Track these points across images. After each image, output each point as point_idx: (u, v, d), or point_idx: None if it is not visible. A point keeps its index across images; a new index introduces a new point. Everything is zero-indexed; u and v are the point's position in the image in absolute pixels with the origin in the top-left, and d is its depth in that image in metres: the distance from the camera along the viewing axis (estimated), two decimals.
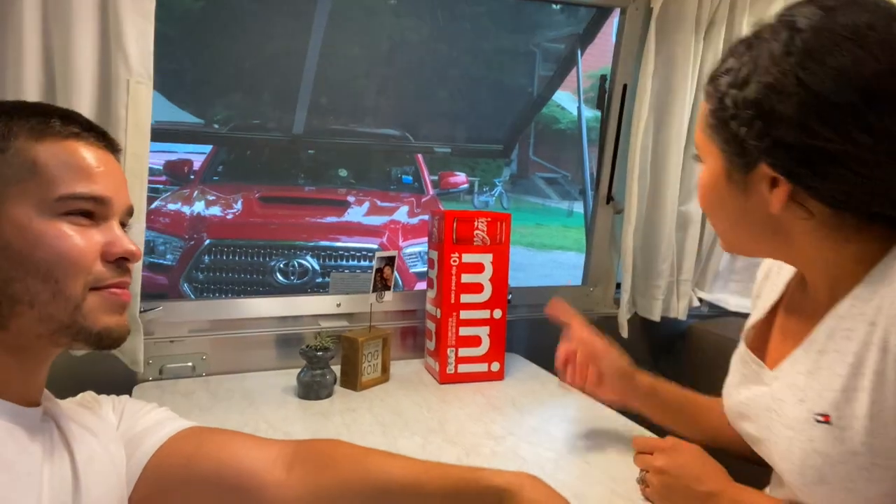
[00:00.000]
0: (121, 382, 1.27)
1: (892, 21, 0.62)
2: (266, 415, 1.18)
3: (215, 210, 4.13)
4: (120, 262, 0.61)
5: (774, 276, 0.88)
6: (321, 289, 3.67)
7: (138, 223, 1.18)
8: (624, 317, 1.65)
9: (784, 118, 0.63)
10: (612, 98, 1.62)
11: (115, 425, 0.72)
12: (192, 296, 3.64)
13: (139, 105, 1.14)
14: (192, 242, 3.74)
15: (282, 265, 3.73)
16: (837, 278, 0.71)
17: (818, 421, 0.68)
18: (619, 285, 1.71)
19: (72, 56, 1.10)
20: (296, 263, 3.74)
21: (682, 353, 1.73)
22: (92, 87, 1.13)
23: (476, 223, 1.33)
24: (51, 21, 1.09)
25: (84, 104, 1.12)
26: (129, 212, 0.66)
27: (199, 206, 4.11)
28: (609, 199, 1.66)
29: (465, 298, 1.34)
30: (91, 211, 0.60)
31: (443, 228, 1.32)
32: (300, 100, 2.10)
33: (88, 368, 1.10)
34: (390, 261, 1.35)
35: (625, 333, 1.65)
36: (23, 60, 1.08)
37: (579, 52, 1.85)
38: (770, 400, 0.77)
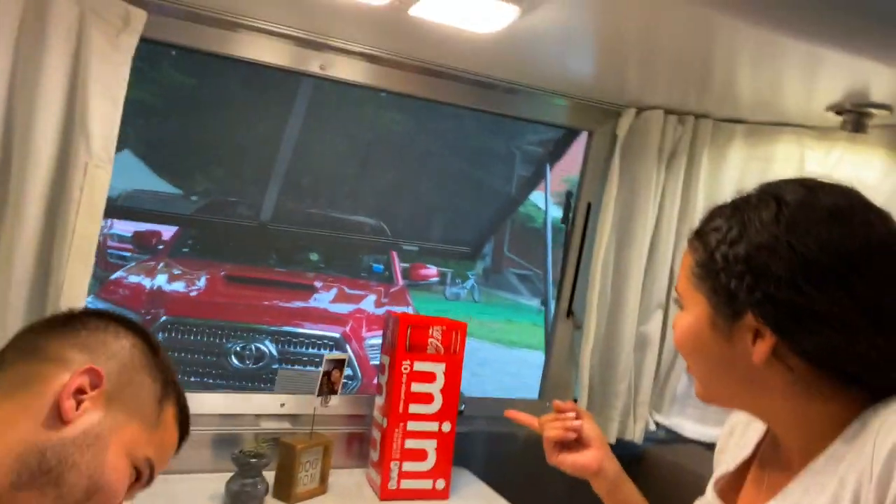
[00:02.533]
0: None
1: (867, 208, 0.70)
2: None
3: (177, 286, 4.04)
4: None
5: (739, 433, 0.88)
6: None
7: (81, 303, 1.13)
8: None
9: (774, 275, 0.68)
10: (577, 214, 1.65)
11: None
12: None
13: (95, 188, 1.12)
14: (149, 318, 3.63)
15: (238, 348, 3.62)
16: (811, 436, 0.72)
17: None
18: (576, 401, 1.67)
19: (33, 133, 1.08)
20: (253, 347, 3.64)
21: (636, 479, 1.66)
22: (49, 165, 1.10)
23: (431, 331, 1.30)
24: (16, 97, 1.09)
25: (38, 181, 1.09)
26: None
27: (160, 280, 4.03)
28: (569, 312, 1.65)
29: (414, 409, 1.29)
30: (141, 474, 0.70)
31: (396, 333, 1.29)
32: (272, 184, 2.11)
33: None
34: (339, 364, 1.30)
35: None
36: None
37: (548, 167, 1.90)
38: None
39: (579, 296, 1.65)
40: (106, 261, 7.10)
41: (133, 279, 4.21)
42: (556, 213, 1.69)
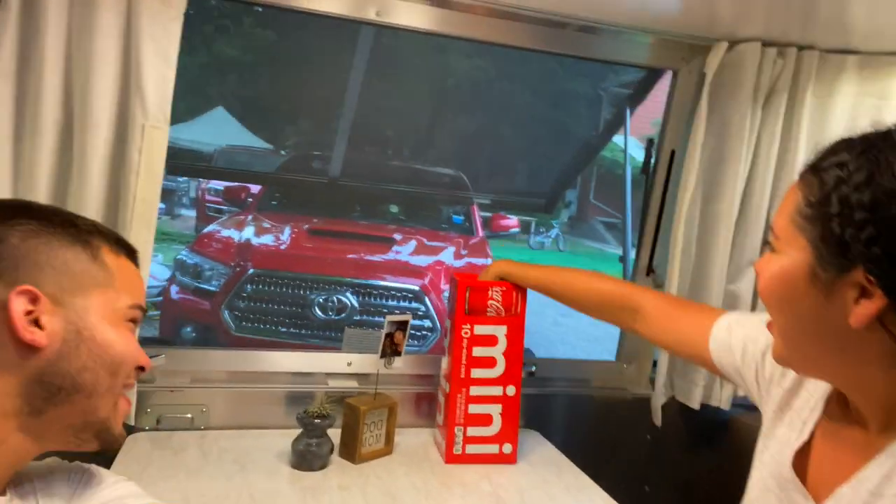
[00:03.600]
0: None
1: None
2: (252, 485, 1.10)
3: (263, 239, 4.16)
4: (139, 370, 0.68)
5: (796, 386, 0.80)
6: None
7: (143, 271, 1.14)
8: (658, 400, 1.51)
9: None
10: (659, 163, 1.51)
11: (68, 497, 0.68)
12: (232, 324, 3.65)
13: (153, 150, 1.11)
14: (237, 270, 3.77)
15: (321, 300, 3.70)
16: (894, 410, 0.65)
17: None
18: (655, 364, 1.57)
19: (90, 97, 1.08)
20: (335, 299, 3.70)
21: (722, 448, 1.57)
22: (108, 128, 1.10)
23: (490, 293, 1.23)
24: (73, 61, 1.08)
25: (98, 144, 1.10)
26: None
27: (248, 233, 4.15)
28: (650, 270, 1.54)
29: (476, 373, 1.24)
30: (137, 320, 0.69)
31: (455, 296, 1.23)
32: (339, 138, 2.07)
33: None
34: (402, 325, 1.26)
35: (658, 420, 1.51)
36: (42, 98, 1.07)
37: (628, 111, 1.75)
38: None
39: (661, 251, 1.53)
40: (205, 214, 7.46)
41: (224, 233, 4.36)
42: (641, 159, 1.55)
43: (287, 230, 4.25)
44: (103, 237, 0.67)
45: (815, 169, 0.66)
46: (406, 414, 1.40)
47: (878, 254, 0.60)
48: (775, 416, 0.82)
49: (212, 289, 3.80)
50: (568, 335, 6.60)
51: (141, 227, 1.12)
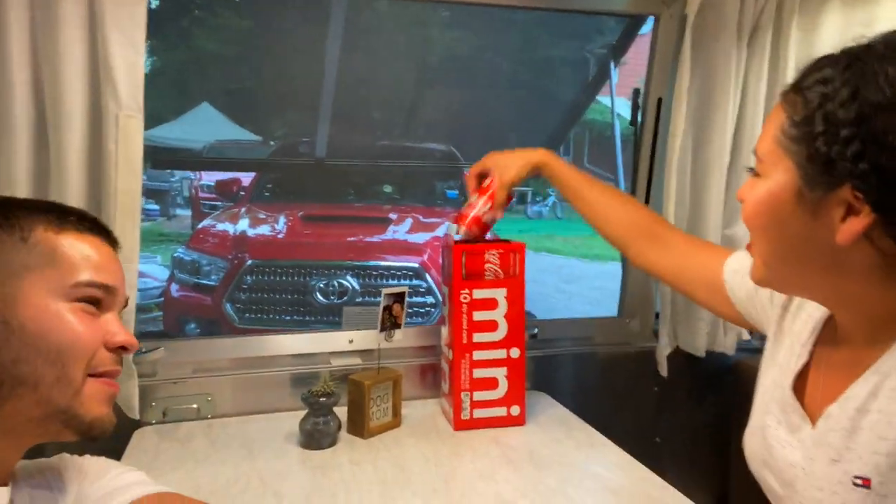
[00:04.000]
0: (126, 427, 1.22)
1: None
2: (262, 467, 1.10)
3: (258, 230, 4.14)
4: (118, 351, 0.64)
5: (797, 309, 0.81)
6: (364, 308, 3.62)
7: (131, 263, 1.13)
8: (663, 351, 1.50)
9: (890, 145, 0.58)
10: (647, 112, 1.48)
11: (74, 491, 0.68)
12: (235, 317, 3.65)
13: (129, 139, 1.09)
14: (235, 263, 3.76)
15: (322, 285, 3.70)
16: (879, 324, 0.66)
17: (856, 484, 0.64)
18: (658, 316, 1.57)
19: (61, 90, 1.06)
20: (336, 283, 3.70)
21: (728, 392, 1.57)
22: (82, 121, 1.08)
23: (487, 256, 1.22)
24: (39, 55, 1.06)
25: (74, 139, 1.08)
26: (126, 304, 0.69)
27: (242, 226, 4.13)
28: None
29: (479, 337, 1.23)
30: (99, 299, 0.63)
31: (451, 262, 1.22)
32: (321, 118, 2.04)
33: None
34: (399, 297, 1.25)
35: (664, 371, 1.51)
36: (12, 94, 1.05)
37: (612, 65, 1.72)
38: (799, 456, 0.72)
39: (655, 202, 1.51)
40: (200, 211, 7.43)
41: (219, 227, 4.34)
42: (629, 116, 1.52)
43: (282, 219, 4.23)
44: (44, 215, 0.62)
45: (798, 88, 0.64)
46: (412, 386, 1.40)
47: (864, 169, 0.59)
48: (775, 338, 0.82)
49: (212, 283, 3.80)
50: (572, 302, 6.62)
51: (125, 220, 1.10)
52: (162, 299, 4.25)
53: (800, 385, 0.75)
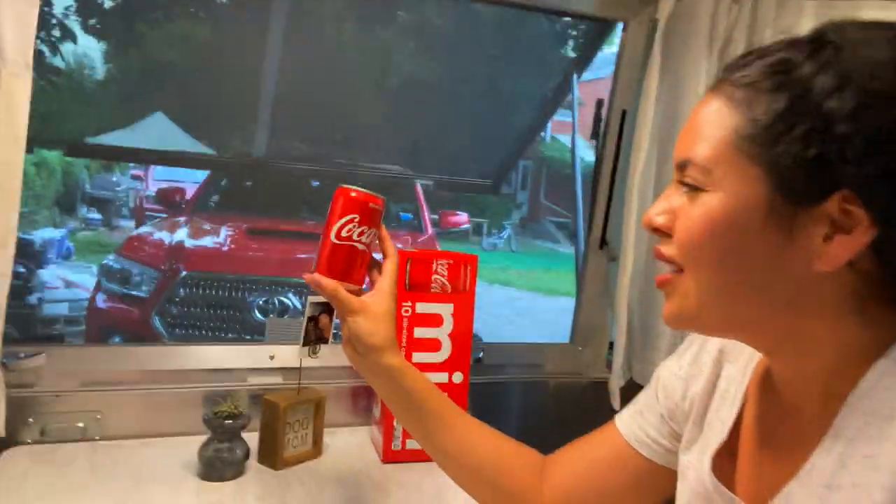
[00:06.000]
0: None
1: None
2: (147, 500, 0.92)
3: (198, 241, 3.93)
4: None
5: (719, 384, 0.66)
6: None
7: (4, 248, 0.95)
8: (616, 383, 1.38)
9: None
10: (610, 125, 1.39)
11: None
12: (164, 332, 3.41)
13: (13, 102, 0.92)
14: (168, 274, 3.52)
15: (261, 302, 3.49)
16: (836, 375, 0.52)
17: None
18: (612, 345, 1.45)
19: None
20: (276, 300, 3.50)
21: None
22: None
23: (435, 265, 1.09)
24: None
25: None
26: None
27: (181, 235, 3.91)
28: (603, 243, 1.42)
29: (419, 357, 1.09)
30: None
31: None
32: (260, 126, 1.90)
33: None
34: (327, 307, 1.10)
35: (617, 404, 1.39)
36: None
37: (574, 78, 1.63)
38: None
39: (614, 222, 1.41)
40: (144, 222, 7.11)
41: (156, 236, 4.11)
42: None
43: (223, 230, 4.03)
44: None
45: (749, 80, 0.52)
46: (339, 411, 1.24)
47: (869, 173, 0.47)
48: (693, 426, 0.67)
49: (142, 295, 3.55)
50: (523, 332, 6.54)
51: (3, 198, 0.93)
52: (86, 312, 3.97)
53: (728, 466, 0.61)
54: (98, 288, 3.77)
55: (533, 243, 13.07)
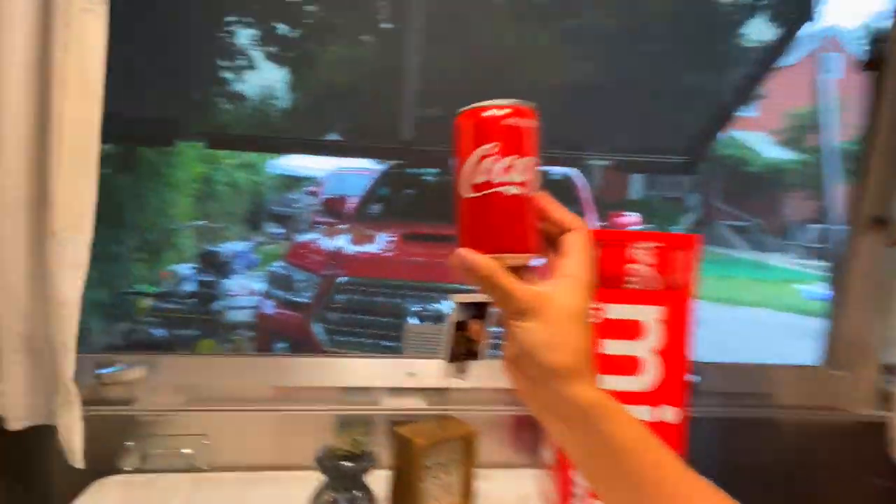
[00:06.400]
0: (89, 473, 0.84)
1: None
2: None
3: (358, 247, 3.90)
4: None
5: None
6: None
7: (81, 234, 0.76)
8: None
9: None
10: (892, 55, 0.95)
11: None
12: (325, 337, 3.36)
13: (85, 44, 0.73)
14: (327, 279, 3.49)
15: (417, 308, 3.33)
16: None
17: None
18: (889, 369, 1.01)
19: None
20: (432, 307, 3.32)
21: None
22: (26, 17, 0.74)
23: (634, 251, 0.74)
24: None
25: (15, 39, 0.73)
26: None
27: (342, 242, 3.90)
28: (879, 219, 0.97)
29: (611, 382, 0.75)
30: None
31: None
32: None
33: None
34: (480, 309, 0.79)
35: None
36: None
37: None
38: None
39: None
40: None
41: (320, 242, 4.16)
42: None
43: (382, 236, 3.97)
44: None
45: None
46: (494, 448, 0.94)
47: None
48: None
49: (304, 300, 3.55)
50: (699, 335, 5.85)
51: (74, 170, 0.74)
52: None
53: None
54: (265, 295, 3.85)
55: (706, 249, 12.09)
